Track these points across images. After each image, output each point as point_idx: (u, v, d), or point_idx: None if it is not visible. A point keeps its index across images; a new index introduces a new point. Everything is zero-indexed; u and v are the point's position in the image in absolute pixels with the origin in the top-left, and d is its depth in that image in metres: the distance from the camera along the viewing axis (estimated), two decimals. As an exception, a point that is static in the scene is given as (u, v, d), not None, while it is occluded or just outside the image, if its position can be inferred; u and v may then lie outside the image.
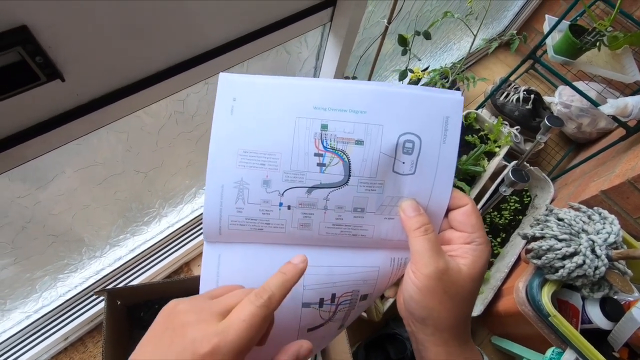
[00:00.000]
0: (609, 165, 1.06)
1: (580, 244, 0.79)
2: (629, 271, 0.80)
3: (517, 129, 1.34)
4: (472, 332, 1.07)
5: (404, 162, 0.31)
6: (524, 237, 0.88)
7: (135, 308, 0.82)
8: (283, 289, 0.26)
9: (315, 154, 0.29)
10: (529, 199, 1.23)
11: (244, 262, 0.32)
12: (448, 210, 0.32)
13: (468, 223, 0.30)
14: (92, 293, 0.68)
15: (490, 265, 1.09)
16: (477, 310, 0.97)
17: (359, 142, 0.30)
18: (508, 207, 1.18)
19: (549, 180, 1.22)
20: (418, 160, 0.31)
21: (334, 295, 0.33)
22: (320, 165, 0.30)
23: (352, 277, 0.33)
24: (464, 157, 1.12)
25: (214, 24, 0.52)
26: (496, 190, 1.07)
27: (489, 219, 1.15)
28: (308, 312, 0.33)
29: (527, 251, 0.89)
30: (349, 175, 0.30)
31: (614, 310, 0.81)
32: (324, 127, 0.29)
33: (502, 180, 1.06)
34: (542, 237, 0.84)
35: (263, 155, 0.29)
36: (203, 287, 0.31)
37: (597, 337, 0.79)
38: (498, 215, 1.16)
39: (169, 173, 0.76)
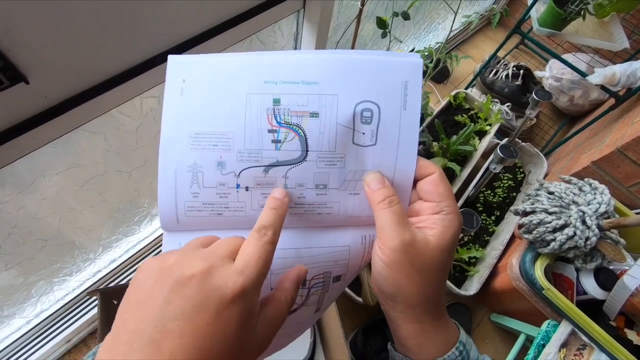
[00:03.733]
0: (600, 135, 1.05)
1: (570, 216, 0.78)
2: (622, 240, 0.80)
3: (507, 106, 1.33)
4: (472, 310, 1.08)
5: (363, 133, 0.29)
6: (516, 213, 0.88)
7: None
8: (279, 223, 0.26)
9: (269, 131, 0.28)
10: (522, 175, 1.22)
11: None
12: (416, 181, 0.30)
13: (435, 192, 0.29)
14: (85, 294, 0.69)
15: (485, 243, 1.09)
16: (473, 289, 0.97)
17: (314, 115, 0.28)
18: (501, 184, 1.18)
19: (542, 156, 1.21)
20: (378, 130, 0.29)
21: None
22: (275, 141, 0.28)
23: (322, 259, 0.32)
24: (454, 137, 1.11)
25: (181, 18, 0.51)
26: (488, 168, 1.07)
27: (482, 198, 1.15)
28: None
29: (519, 227, 0.89)
30: (307, 151, 0.29)
31: (608, 279, 0.81)
32: (276, 101, 0.28)
33: (490, 172, 1.05)
34: (533, 212, 0.84)
35: (215, 135, 0.28)
36: None
37: (593, 308, 0.79)
38: (492, 194, 1.16)
39: (154, 172, 0.76)
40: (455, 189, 1.06)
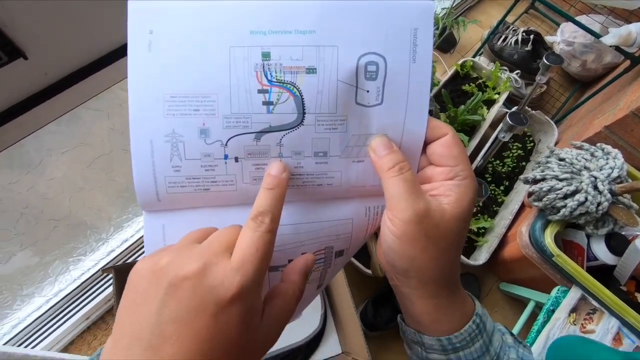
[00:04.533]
0: (613, 99, 1.01)
1: (581, 182, 0.77)
2: (635, 205, 0.78)
3: (517, 74, 1.29)
4: (480, 280, 1.09)
5: (368, 91, 0.25)
6: (525, 181, 0.87)
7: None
8: (278, 206, 0.24)
9: (259, 91, 0.24)
10: (532, 144, 1.20)
11: None
12: (426, 144, 0.27)
13: (449, 155, 0.26)
14: (100, 272, 0.71)
15: (494, 214, 1.08)
16: (482, 259, 0.97)
17: (311, 70, 0.24)
18: (510, 154, 1.16)
19: (552, 123, 1.18)
20: (385, 87, 0.26)
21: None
22: (267, 103, 0.24)
23: (323, 233, 0.29)
24: (462, 107, 1.09)
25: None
26: (497, 138, 1.05)
27: (491, 168, 1.13)
28: (278, 275, 0.29)
29: (529, 195, 0.88)
30: (304, 113, 0.25)
31: (620, 244, 0.80)
32: (266, 55, 0.24)
33: (499, 140, 1.03)
34: (543, 179, 0.83)
35: (195, 98, 0.24)
36: None
37: (603, 274, 0.79)
38: (500, 164, 1.14)
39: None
40: (463, 159, 1.05)
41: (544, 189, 0.80)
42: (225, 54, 0.24)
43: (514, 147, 1.17)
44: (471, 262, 0.97)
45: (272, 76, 0.24)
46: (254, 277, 0.21)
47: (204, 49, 0.24)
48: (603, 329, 0.75)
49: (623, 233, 0.82)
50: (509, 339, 0.30)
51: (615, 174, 0.78)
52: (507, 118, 0.89)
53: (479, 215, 1.06)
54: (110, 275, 0.85)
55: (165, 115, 0.24)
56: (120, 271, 0.66)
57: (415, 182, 0.25)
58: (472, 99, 1.08)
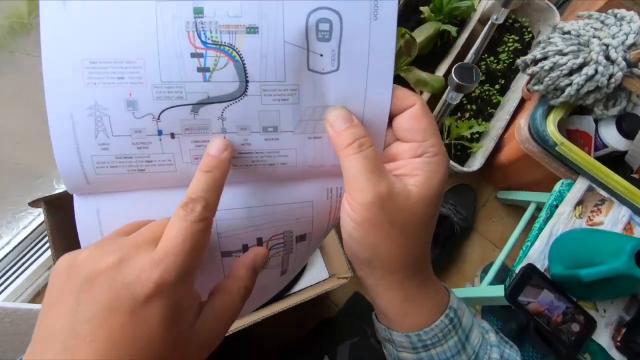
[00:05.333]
0: (626, -36, 0.85)
1: (590, 52, 0.64)
2: (652, 76, 0.67)
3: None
4: (476, 190, 1.00)
5: (321, 55, 0.22)
6: (524, 64, 0.74)
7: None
8: (215, 190, 0.21)
9: (193, 55, 0.21)
10: (530, 36, 1.05)
11: (135, 216, 0.24)
12: (391, 117, 0.24)
13: (417, 129, 0.23)
14: (27, 204, 0.61)
15: (489, 117, 0.97)
16: (477, 164, 0.88)
17: (252, 30, 0.21)
18: (506, 48, 1.02)
19: (554, 8, 1.03)
20: (340, 49, 0.22)
21: (259, 240, 0.27)
22: (203, 70, 0.21)
23: (280, 217, 0.27)
24: (448, -4, 0.93)
25: None
26: (488, 35, 0.90)
27: (484, 65, 1.00)
28: (232, 261, 0.27)
29: (529, 81, 0.76)
30: (247, 82, 0.22)
31: (633, 126, 0.70)
32: (198, 11, 0.21)
33: (493, 24, 0.87)
34: (545, 58, 0.70)
35: (119, 64, 0.21)
36: None
37: (612, 164, 0.69)
38: (495, 60, 1.01)
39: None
40: (451, 56, 0.92)
41: (545, 67, 0.68)
42: (151, 11, 0.21)
43: (510, 40, 1.02)
44: (465, 169, 0.87)
45: (206, 37, 0.21)
46: (177, 272, 0.19)
47: (126, 4, 0.21)
48: (612, 220, 0.67)
49: (636, 113, 0.71)
50: (492, 338, 0.27)
51: (630, 40, 0.65)
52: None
53: (472, 119, 0.95)
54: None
55: (86, 85, 0.21)
56: (51, 203, 0.56)
57: (377, 161, 0.23)
58: (459, -17, 0.92)
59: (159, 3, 0.20)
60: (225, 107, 0.22)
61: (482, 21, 0.99)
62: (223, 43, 0.21)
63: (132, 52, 0.21)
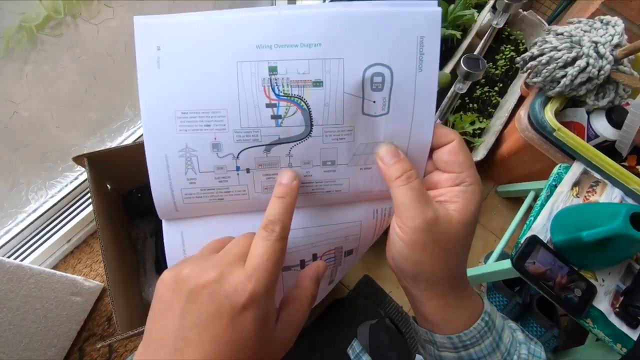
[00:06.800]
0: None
1: (582, 47, 0.73)
2: (635, 72, 0.75)
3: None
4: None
5: (374, 102, 0.25)
6: (523, 61, 0.82)
7: (129, 195, 0.79)
8: (288, 214, 0.25)
9: (267, 105, 0.24)
10: (524, 47, 1.15)
11: (212, 237, 0.28)
12: (432, 150, 0.27)
13: (455, 162, 0.26)
14: (72, 159, 0.64)
15: (490, 115, 1.04)
16: (480, 155, 0.94)
17: (318, 84, 0.24)
18: (503, 56, 1.11)
19: (545, 24, 1.14)
20: (391, 97, 0.25)
21: (315, 255, 0.31)
22: (276, 117, 0.25)
23: (333, 235, 0.30)
24: (452, 7, 1.03)
25: None
26: (489, 37, 0.99)
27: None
28: (290, 274, 0.31)
29: (527, 76, 0.84)
30: (311, 125, 0.25)
31: (620, 117, 0.77)
32: (273, 70, 0.24)
33: (494, 29, 0.96)
34: (542, 55, 0.78)
35: (206, 114, 0.24)
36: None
37: (603, 151, 0.76)
38: (493, 66, 1.10)
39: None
40: (455, 58, 1.00)
41: (543, 61, 0.76)
42: (233, 69, 0.24)
43: (507, 50, 1.12)
44: (468, 160, 0.93)
45: (279, 90, 0.24)
46: (265, 284, 0.22)
47: (212, 64, 0.24)
48: (606, 199, 0.73)
49: (625, 107, 0.79)
50: (519, 336, 0.30)
51: (615, 40, 0.74)
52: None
53: (477, 116, 1.02)
54: (87, 191, 0.80)
55: (178, 132, 0.25)
56: (93, 159, 0.60)
57: (423, 191, 0.26)
58: (461, -3, 1.02)
59: (240, 62, 0.24)
60: (293, 146, 0.26)
61: (480, 35, 1.09)
62: (293, 95, 0.25)
63: (217, 104, 0.24)
